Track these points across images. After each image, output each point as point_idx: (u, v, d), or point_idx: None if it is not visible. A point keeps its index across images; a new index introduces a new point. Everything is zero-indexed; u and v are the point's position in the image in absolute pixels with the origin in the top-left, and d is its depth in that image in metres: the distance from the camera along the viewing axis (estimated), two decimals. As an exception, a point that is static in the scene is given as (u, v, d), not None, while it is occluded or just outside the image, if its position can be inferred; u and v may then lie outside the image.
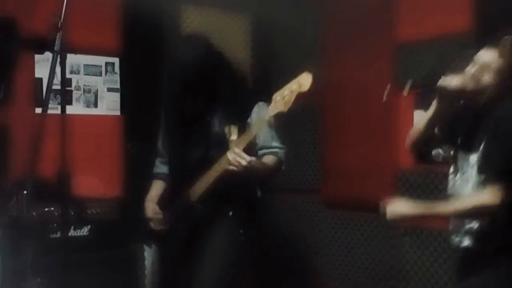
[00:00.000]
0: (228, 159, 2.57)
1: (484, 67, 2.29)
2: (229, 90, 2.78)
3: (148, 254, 3.97)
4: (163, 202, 3.02)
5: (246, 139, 2.59)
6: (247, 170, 2.58)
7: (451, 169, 2.43)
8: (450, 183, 2.43)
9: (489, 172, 2.22)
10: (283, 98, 2.52)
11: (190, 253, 2.81)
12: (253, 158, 2.62)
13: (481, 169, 2.25)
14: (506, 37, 2.28)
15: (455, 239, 2.37)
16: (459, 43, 3.29)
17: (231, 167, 2.58)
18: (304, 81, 2.50)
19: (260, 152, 2.81)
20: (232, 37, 4.47)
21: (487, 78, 2.27)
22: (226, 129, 2.66)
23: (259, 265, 2.96)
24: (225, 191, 2.73)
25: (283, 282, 4.08)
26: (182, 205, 2.86)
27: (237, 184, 2.72)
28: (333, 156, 4.03)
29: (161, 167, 3.12)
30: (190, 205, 2.82)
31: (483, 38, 3.05)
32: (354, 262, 3.93)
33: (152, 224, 3.02)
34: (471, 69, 2.32)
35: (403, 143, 3.61)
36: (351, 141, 3.91)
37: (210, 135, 2.77)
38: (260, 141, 2.81)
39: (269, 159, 2.80)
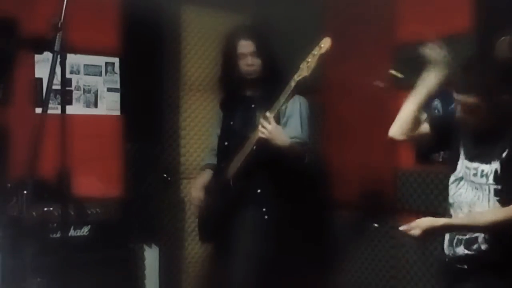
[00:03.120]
0: (258, 126, 2.80)
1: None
2: (271, 82, 3.01)
3: (148, 254, 3.98)
4: (208, 189, 3.23)
5: (275, 108, 2.79)
6: (273, 138, 2.78)
7: (452, 178, 2.36)
8: (452, 192, 2.35)
9: None
10: (307, 63, 2.73)
11: (224, 229, 3.01)
12: (280, 127, 2.84)
13: (505, 180, 2.15)
14: (503, 38, 2.28)
15: (450, 247, 2.32)
16: (459, 43, 3.29)
17: (260, 134, 2.79)
18: (324, 43, 2.73)
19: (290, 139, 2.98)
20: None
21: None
22: (264, 113, 2.84)
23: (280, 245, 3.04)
24: (255, 169, 2.93)
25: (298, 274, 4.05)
26: (220, 183, 3.07)
27: (265, 163, 2.91)
28: (333, 156, 4.03)
29: (210, 158, 3.34)
30: (227, 183, 3.00)
31: (483, 38, 3.08)
32: (354, 262, 3.93)
33: (193, 208, 3.31)
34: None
35: (403, 143, 3.62)
36: (351, 141, 3.91)
37: (253, 122, 2.96)
38: (289, 130, 2.98)
39: (295, 144, 2.95)
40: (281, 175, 3.00)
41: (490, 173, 2.20)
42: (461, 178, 2.32)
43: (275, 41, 4.15)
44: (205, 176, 3.31)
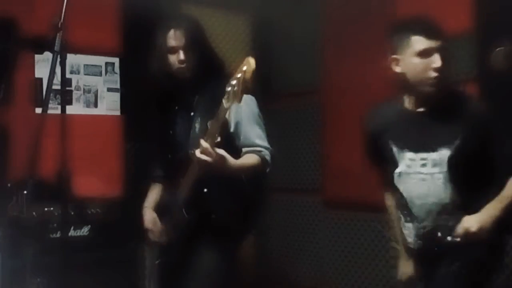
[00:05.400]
0: (195, 156, 2.39)
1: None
2: (211, 84, 2.60)
3: (148, 254, 3.98)
4: (161, 207, 2.87)
5: (210, 133, 2.39)
6: (218, 167, 2.40)
7: (395, 175, 2.38)
8: (401, 188, 2.39)
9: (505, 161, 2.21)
10: (233, 88, 2.31)
11: (183, 261, 2.70)
12: (223, 153, 2.41)
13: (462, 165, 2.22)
14: (498, 49, 2.29)
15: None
16: (459, 43, 3.29)
17: (200, 166, 2.42)
18: (246, 66, 2.29)
19: (243, 150, 2.64)
20: (232, 37, 4.47)
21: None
22: (208, 125, 2.43)
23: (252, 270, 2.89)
24: (205, 193, 2.59)
25: (282, 282, 4.07)
26: (174, 214, 2.73)
27: (217, 185, 2.57)
28: (333, 156, 4.04)
29: (157, 170, 2.95)
30: (181, 214, 2.67)
31: (483, 38, 3.08)
32: (354, 262, 3.93)
33: (151, 236, 2.85)
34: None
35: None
36: (351, 141, 3.90)
37: (193, 132, 2.60)
38: (241, 139, 2.64)
39: (249, 158, 2.60)
40: (239, 195, 2.64)
41: (443, 161, 2.26)
42: (404, 173, 2.36)
43: (275, 40, 4.16)
44: (156, 193, 2.92)
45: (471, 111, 2.28)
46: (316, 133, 4.20)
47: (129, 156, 3.90)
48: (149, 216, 2.87)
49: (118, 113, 3.92)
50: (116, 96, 3.92)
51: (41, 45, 2.46)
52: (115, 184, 3.83)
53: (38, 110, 3.33)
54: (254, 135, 2.65)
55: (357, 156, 3.88)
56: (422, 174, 2.30)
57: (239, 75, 2.30)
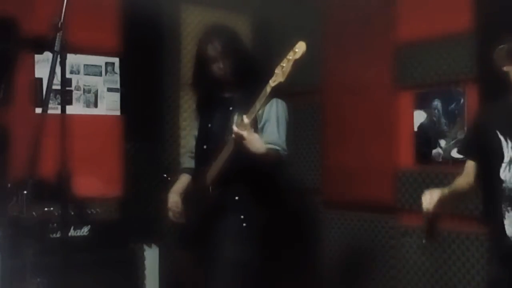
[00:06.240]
0: (232, 130, 2.67)
1: None
2: (248, 83, 2.87)
3: (148, 254, 3.98)
4: (187, 194, 3.10)
5: (251, 113, 2.67)
6: (249, 144, 2.67)
7: (503, 166, 2.36)
8: (507, 178, 2.36)
9: None
10: (282, 68, 2.62)
11: (204, 237, 2.90)
12: (254, 135, 2.70)
13: None
14: (501, 46, 2.28)
15: None
16: (459, 43, 3.29)
17: (236, 138, 2.68)
18: (298, 48, 2.61)
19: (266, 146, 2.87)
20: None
21: None
22: (240, 119, 2.72)
23: (261, 255, 2.98)
24: (233, 175, 2.82)
25: (282, 279, 4.07)
26: (199, 191, 2.95)
27: (243, 169, 2.80)
28: (333, 156, 4.03)
29: (189, 162, 3.20)
30: (206, 191, 2.90)
31: (483, 38, 3.08)
32: (354, 262, 3.93)
33: (171, 215, 3.10)
34: None
35: (403, 143, 3.62)
36: (351, 141, 3.91)
37: (231, 125, 2.81)
38: (266, 135, 2.87)
39: (270, 151, 2.85)
40: (258, 181, 2.91)
41: None
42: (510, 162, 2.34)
43: (275, 40, 4.16)
44: (183, 181, 3.18)
45: None
46: (316, 133, 4.19)
47: (129, 156, 3.90)
48: (173, 199, 3.12)
49: (118, 113, 3.92)
50: (116, 96, 3.92)
51: (41, 45, 2.46)
52: (115, 184, 3.83)
53: (38, 110, 3.33)
54: (278, 135, 2.91)
55: (357, 156, 3.90)
56: None
57: (290, 56, 2.61)
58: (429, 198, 2.37)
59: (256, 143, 2.71)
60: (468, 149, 2.62)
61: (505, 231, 2.35)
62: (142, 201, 3.90)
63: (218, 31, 3.07)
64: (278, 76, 2.62)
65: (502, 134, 2.37)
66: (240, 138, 2.67)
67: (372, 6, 3.71)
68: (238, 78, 2.95)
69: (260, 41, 4.47)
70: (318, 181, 4.19)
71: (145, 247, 3.96)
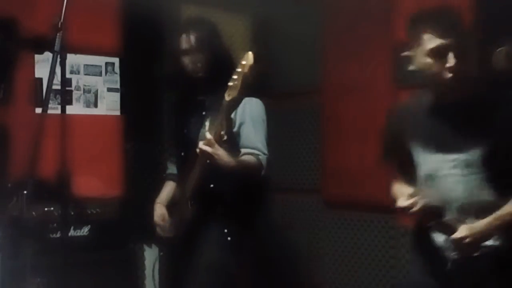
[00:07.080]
0: (199, 148, 2.53)
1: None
2: (222, 84, 2.63)
3: (148, 254, 3.98)
4: (173, 203, 2.99)
5: (213, 129, 2.52)
6: (216, 161, 2.53)
7: (422, 179, 2.25)
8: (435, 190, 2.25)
9: None
10: (234, 82, 2.43)
11: (187, 253, 2.80)
12: (222, 151, 2.54)
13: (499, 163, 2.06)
14: (500, 48, 2.28)
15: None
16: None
17: (202, 157, 2.55)
18: (245, 60, 2.41)
19: (242, 151, 2.74)
20: (232, 37, 4.47)
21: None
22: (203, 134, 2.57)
23: (253, 267, 2.93)
24: (212, 187, 2.71)
25: (281, 283, 4.07)
26: (179, 206, 2.85)
27: (221, 180, 2.68)
28: (333, 156, 4.03)
29: (171, 168, 3.10)
30: (185, 205, 2.79)
31: (483, 38, 3.08)
32: (354, 262, 3.93)
33: (159, 230, 2.98)
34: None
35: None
36: (351, 141, 3.91)
37: (203, 129, 2.67)
38: (242, 139, 2.74)
39: (246, 160, 2.72)
40: (239, 192, 2.76)
41: (476, 161, 2.11)
42: (433, 175, 2.22)
43: (275, 40, 4.17)
44: (168, 190, 3.05)
45: (503, 105, 2.13)
46: (316, 133, 4.19)
47: (129, 156, 3.90)
48: (159, 212, 2.99)
49: (118, 113, 3.92)
50: (116, 96, 3.92)
51: (41, 45, 2.47)
52: (115, 184, 3.83)
53: (38, 110, 3.32)
54: (255, 138, 2.75)
55: (357, 156, 3.89)
56: (455, 176, 2.17)
57: (239, 70, 2.41)
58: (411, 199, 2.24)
59: (223, 158, 2.55)
60: (388, 157, 2.55)
61: None
62: (142, 201, 3.89)
63: (195, 23, 2.89)
64: (232, 90, 2.44)
65: (418, 143, 2.26)
66: (206, 155, 2.53)
67: (372, 6, 3.71)
68: (211, 77, 2.74)
69: (260, 41, 4.47)
70: (318, 181, 4.19)
71: (145, 247, 3.96)
